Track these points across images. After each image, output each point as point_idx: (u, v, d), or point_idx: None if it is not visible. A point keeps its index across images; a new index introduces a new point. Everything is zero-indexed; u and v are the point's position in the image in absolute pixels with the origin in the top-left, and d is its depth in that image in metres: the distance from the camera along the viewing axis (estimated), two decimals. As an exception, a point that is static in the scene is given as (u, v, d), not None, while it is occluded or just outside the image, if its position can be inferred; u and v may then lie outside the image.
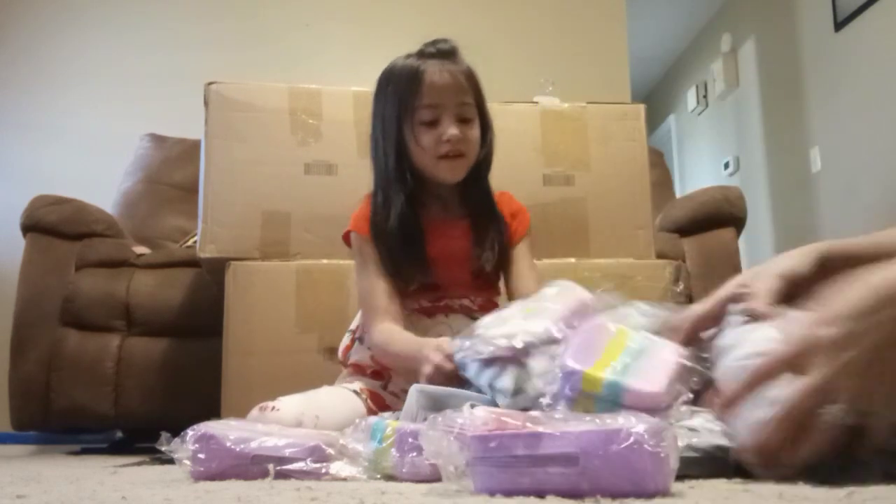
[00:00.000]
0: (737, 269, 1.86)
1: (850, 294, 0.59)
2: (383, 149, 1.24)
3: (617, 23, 3.09)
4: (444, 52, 1.23)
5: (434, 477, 0.67)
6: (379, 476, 0.77)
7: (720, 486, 0.61)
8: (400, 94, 1.22)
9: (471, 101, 1.23)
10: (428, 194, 1.26)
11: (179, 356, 1.80)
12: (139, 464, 1.19)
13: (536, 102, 1.72)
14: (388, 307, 1.18)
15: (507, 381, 0.82)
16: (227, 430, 0.81)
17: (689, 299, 1.77)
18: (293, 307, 1.46)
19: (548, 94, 2.01)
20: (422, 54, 1.23)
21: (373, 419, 0.82)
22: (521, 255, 1.30)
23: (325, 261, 1.51)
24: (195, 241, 1.74)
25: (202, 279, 1.76)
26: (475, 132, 1.23)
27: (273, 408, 1.04)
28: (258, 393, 1.16)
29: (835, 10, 3.18)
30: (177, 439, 0.80)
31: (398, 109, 1.22)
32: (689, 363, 0.74)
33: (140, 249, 1.93)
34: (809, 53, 3.43)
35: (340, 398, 1.14)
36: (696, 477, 0.63)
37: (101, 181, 2.52)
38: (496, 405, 0.81)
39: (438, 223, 1.23)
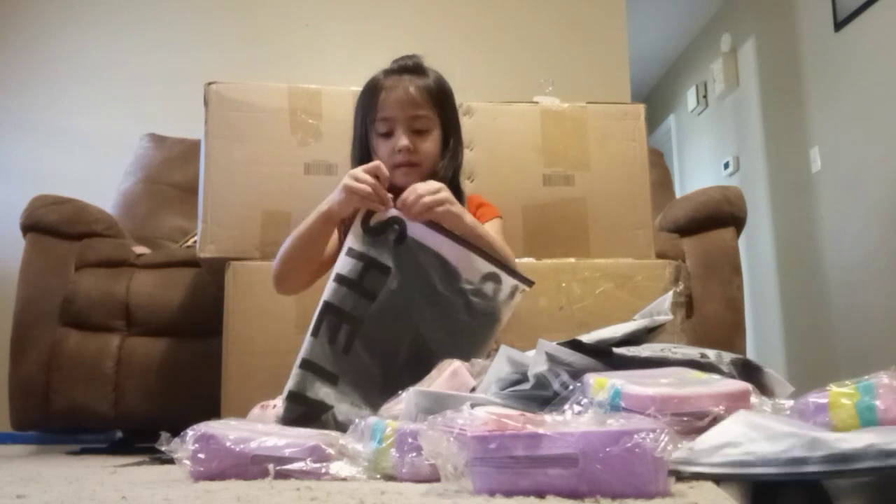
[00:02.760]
0: (737, 269, 1.85)
1: None
2: (352, 153, 1.37)
3: (617, 23, 3.09)
4: (406, 68, 1.33)
5: (434, 477, 0.67)
6: (379, 476, 0.77)
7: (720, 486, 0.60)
8: (362, 106, 1.34)
9: (427, 114, 1.31)
10: (393, 192, 1.33)
11: (179, 356, 1.80)
12: (139, 464, 1.19)
13: (536, 102, 1.72)
14: None
15: None
16: (226, 430, 0.81)
17: (689, 299, 1.77)
18: (293, 307, 1.46)
19: (548, 94, 2.00)
20: (387, 70, 1.34)
21: (372, 419, 0.82)
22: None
23: (325, 261, 1.51)
24: (195, 241, 1.74)
25: (202, 279, 1.76)
26: (430, 143, 1.32)
27: (274, 405, 1.05)
28: (258, 393, 1.16)
29: (835, 10, 3.18)
30: (177, 439, 0.80)
31: (361, 120, 1.34)
32: None
33: (140, 249, 1.93)
34: (809, 53, 3.43)
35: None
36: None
37: (101, 181, 2.52)
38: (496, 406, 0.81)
39: None
